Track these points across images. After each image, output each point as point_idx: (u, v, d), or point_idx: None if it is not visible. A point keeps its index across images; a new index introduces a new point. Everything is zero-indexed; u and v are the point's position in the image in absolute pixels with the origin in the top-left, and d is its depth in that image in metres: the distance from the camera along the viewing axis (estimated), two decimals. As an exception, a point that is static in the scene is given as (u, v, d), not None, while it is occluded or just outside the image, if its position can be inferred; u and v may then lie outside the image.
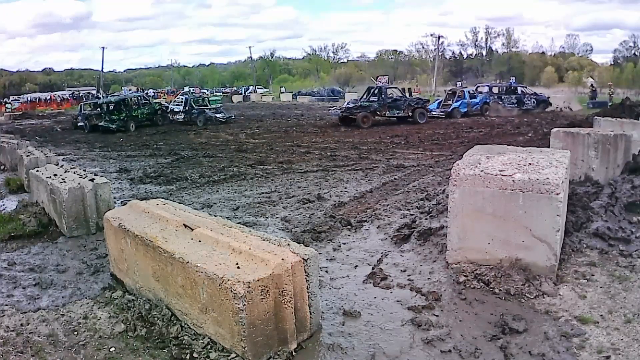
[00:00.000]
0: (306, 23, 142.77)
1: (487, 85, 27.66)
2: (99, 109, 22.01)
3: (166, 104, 26.91)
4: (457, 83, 32.53)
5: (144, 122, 22.15)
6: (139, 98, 23.75)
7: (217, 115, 23.20)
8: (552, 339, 3.11)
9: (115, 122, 20.86)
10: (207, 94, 37.82)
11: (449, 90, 26.37)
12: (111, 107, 21.84)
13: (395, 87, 22.61)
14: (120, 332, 3.42)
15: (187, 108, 23.31)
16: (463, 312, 3.53)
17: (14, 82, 77.79)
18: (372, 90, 20.77)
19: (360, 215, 6.30)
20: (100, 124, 20.77)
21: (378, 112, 19.45)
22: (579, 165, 6.41)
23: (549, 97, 24.67)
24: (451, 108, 22.54)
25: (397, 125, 19.82)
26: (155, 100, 37.52)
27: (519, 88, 26.29)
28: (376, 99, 19.77)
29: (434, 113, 22.45)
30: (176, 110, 23.87)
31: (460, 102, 23.00)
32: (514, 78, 34.02)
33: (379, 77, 30.16)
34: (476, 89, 26.24)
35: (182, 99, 25.10)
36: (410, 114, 20.11)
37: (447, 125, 19.20)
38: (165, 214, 4.04)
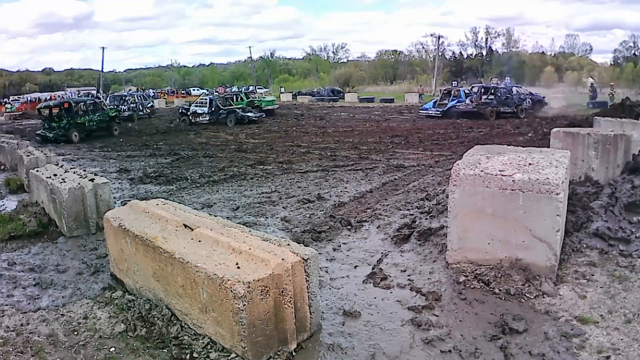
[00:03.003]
0: (307, 23, 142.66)
1: (483, 86, 27.78)
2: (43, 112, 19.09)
3: (154, 107, 26.37)
4: (453, 82, 32.56)
5: (94, 130, 18.87)
6: (88, 102, 20.20)
7: (249, 115, 22.52)
8: (552, 339, 3.11)
9: (55, 130, 17.51)
10: (261, 94, 34.54)
11: (444, 90, 26.42)
12: (52, 112, 18.61)
13: (503, 87, 24.52)
14: (120, 332, 3.42)
15: (213, 109, 22.60)
16: (463, 312, 3.54)
17: (14, 82, 77.73)
18: (490, 89, 23.34)
19: (360, 215, 6.30)
20: (38, 132, 18.29)
21: (496, 108, 21.95)
22: (579, 165, 6.41)
23: (544, 97, 24.73)
24: (447, 107, 22.68)
25: (396, 124, 19.93)
26: (155, 100, 37.11)
27: (514, 88, 26.35)
28: (494, 97, 22.43)
29: (430, 112, 23.06)
30: (199, 111, 22.97)
31: (456, 101, 23.08)
32: (509, 78, 34.03)
33: (492, 79, 32.47)
34: (471, 89, 26.37)
35: (205, 99, 24.07)
36: (515, 110, 22.29)
37: (447, 125, 19.20)
38: (165, 214, 4.05)
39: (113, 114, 20.07)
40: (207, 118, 22.62)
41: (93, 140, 17.56)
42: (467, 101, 22.80)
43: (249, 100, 27.10)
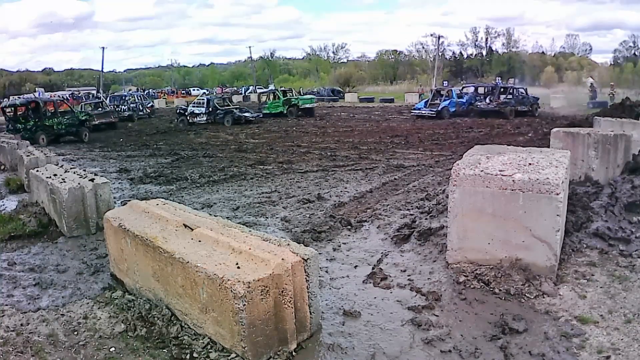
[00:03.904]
0: (307, 23, 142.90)
1: (473, 86, 27.97)
2: (10, 112, 17.87)
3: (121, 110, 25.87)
4: (444, 82, 32.49)
5: (62, 134, 17.75)
6: (57, 103, 19.24)
7: (246, 115, 22.68)
8: (552, 339, 3.11)
9: (20, 131, 16.12)
10: (300, 93, 31.32)
11: (436, 89, 26.08)
12: (18, 112, 17.55)
13: (521, 88, 25.39)
14: (120, 332, 3.42)
15: (210, 109, 22.74)
16: (463, 312, 3.53)
17: (14, 82, 77.74)
18: (508, 89, 24.20)
19: (360, 215, 6.30)
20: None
21: (514, 107, 22.78)
22: (579, 165, 6.41)
23: (538, 99, 24.90)
24: (441, 107, 22.49)
25: (396, 124, 19.94)
26: (155, 100, 36.93)
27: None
28: (512, 97, 23.23)
29: (423, 112, 22.87)
30: (197, 112, 23.14)
31: (449, 101, 23.06)
32: (499, 78, 34.16)
33: (509, 79, 33.13)
34: (462, 90, 26.53)
35: (203, 99, 24.26)
36: (530, 108, 23.22)
37: (447, 125, 19.22)
38: (165, 214, 4.05)
39: (83, 118, 18.79)
40: (205, 118, 22.76)
41: (62, 145, 16.82)
42: (487, 100, 23.50)
43: (286, 98, 26.07)
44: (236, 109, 23.51)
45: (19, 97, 30.46)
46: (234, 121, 21.99)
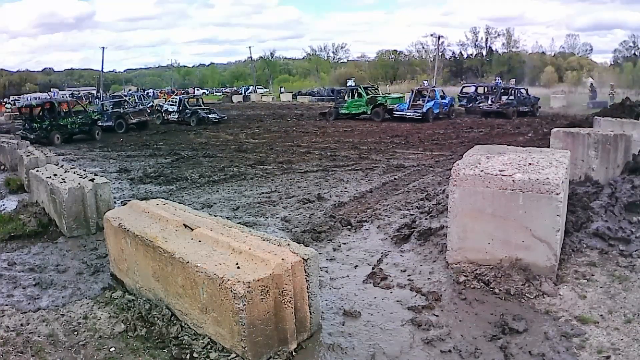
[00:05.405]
0: (308, 23, 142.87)
1: (474, 86, 27.93)
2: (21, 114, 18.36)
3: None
4: (424, 82, 31.70)
5: (76, 133, 18.15)
6: (70, 104, 19.67)
7: (210, 116, 23.30)
8: (552, 339, 3.11)
9: (36, 131, 16.85)
10: (384, 92, 27.14)
11: (416, 90, 23.73)
12: (34, 112, 18.13)
13: (522, 88, 26.11)
14: (120, 332, 3.42)
15: (180, 108, 23.69)
16: (463, 312, 3.53)
17: (14, 82, 77.80)
18: (509, 90, 24.73)
19: (360, 215, 6.30)
20: (17, 132, 17.87)
21: (516, 107, 23.18)
22: (579, 165, 6.41)
23: (539, 99, 24.93)
24: (426, 109, 21.02)
25: (396, 124, 19.93)
26: (156, 100, 37.08)
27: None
28: (513, 98, 23.69)
29: (407, 114, 21.14)
30: (170, 110, 24.35)
31: (432, 102, 21.64)
32: (499, 78, 34.23)
33: (511, 80, 33.85)
34: (462, 90, 26.50)
35: (176, 99, 25.44)
36: (531, 109, 23.71)
37: (447, 125, 19.22)
38: (165, 214, 4.04)
39: (96, 117, 19.21)
40: (176, 117, 23.73)
41: (75, 143, 17.14)
42: (489, 101, 23.99)
43: (370, 96, 22.67)
44: (203, 109, 24.07)
45: (22, 97, 30.48)
46: (199, 121, 22.71)
